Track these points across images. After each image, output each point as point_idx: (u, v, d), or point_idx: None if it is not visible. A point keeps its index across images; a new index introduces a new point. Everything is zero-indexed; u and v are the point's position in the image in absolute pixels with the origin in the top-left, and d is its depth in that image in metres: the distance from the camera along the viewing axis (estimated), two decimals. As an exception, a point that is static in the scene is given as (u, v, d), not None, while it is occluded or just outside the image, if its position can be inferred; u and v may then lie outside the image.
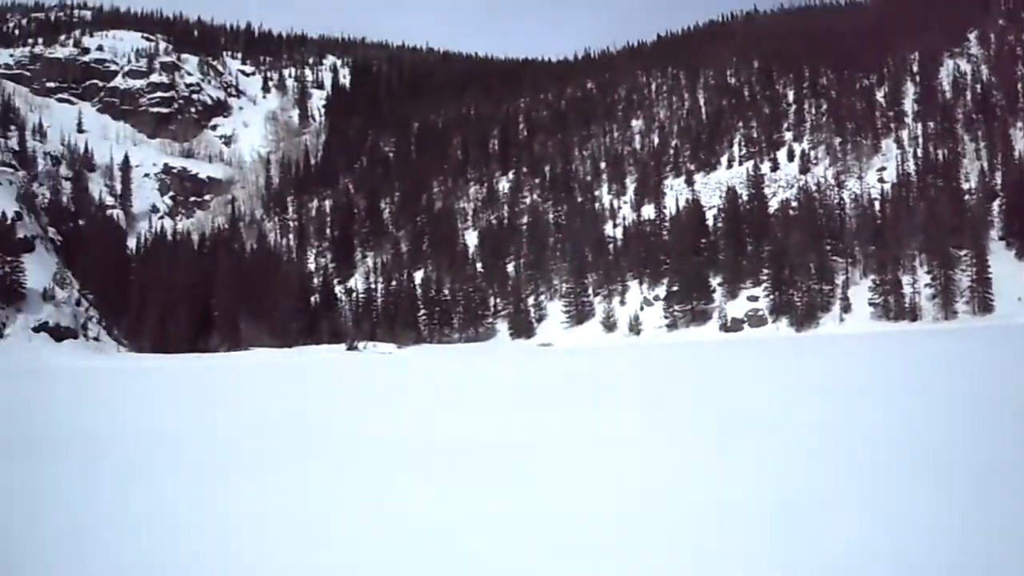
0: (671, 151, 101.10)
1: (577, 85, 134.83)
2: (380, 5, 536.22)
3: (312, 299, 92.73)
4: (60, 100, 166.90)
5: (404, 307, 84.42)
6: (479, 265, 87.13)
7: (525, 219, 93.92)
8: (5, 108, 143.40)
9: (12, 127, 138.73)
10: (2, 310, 79.60)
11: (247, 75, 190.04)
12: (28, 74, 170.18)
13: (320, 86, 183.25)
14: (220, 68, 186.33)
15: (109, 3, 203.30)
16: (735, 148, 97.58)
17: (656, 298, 68.28)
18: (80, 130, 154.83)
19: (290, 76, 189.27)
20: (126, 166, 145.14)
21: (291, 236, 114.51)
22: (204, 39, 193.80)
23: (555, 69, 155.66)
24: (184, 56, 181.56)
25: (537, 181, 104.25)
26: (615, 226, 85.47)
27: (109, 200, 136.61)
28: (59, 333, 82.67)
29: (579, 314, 72.04)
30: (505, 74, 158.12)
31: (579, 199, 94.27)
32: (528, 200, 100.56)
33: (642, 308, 67.62)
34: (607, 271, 75.98)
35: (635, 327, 64.91)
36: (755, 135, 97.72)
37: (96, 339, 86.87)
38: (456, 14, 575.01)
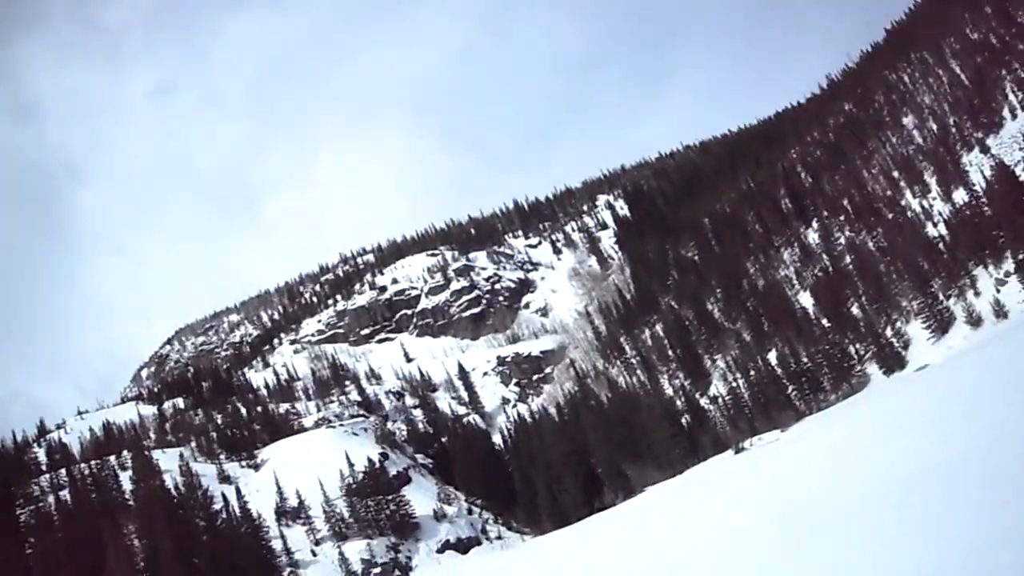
0: (952, 129, 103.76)
1: (836, 112, 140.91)
2: (627, 128, 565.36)
3: (682, 420, 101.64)
4: (379, 342, 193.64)
5: (771, 392, 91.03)
6: (824, 321, 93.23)
7: (848, 259, 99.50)
8: (334, 369, 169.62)
9: (347, 382, 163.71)
10: (403, 544, 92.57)
11: (534, 247, 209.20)
12: (341, 331, 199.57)
13: (603, 226, 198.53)
14: (508, 251, 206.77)
15: (386, 239, 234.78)
16: (1011, 97, 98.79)
17: (1007, 274, 71.16)
18: (408, 359, 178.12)
19: (573, 230, 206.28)
20: (463, 374, 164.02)
21: (638, 372, 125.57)
22: (482, 233, 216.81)
23: (810, 108, 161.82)
24: (472, 255, 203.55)
25: (842, 218, 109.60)
26: (934, 224, 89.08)
27: (461, 410, 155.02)
28: (462, 546, 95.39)
29: (940, 324, 75.56)
30: (765, 136, 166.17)
31: (889, 215, 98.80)
32: (842, 239, 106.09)
33: (998, 290, 70.71)
34: (948, 270, 79.64)
35: (1000, 311, 68.11)
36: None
37: (499, 537, 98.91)
38: (686, 111, 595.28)
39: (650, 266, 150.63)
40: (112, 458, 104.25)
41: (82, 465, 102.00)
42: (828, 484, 25.52)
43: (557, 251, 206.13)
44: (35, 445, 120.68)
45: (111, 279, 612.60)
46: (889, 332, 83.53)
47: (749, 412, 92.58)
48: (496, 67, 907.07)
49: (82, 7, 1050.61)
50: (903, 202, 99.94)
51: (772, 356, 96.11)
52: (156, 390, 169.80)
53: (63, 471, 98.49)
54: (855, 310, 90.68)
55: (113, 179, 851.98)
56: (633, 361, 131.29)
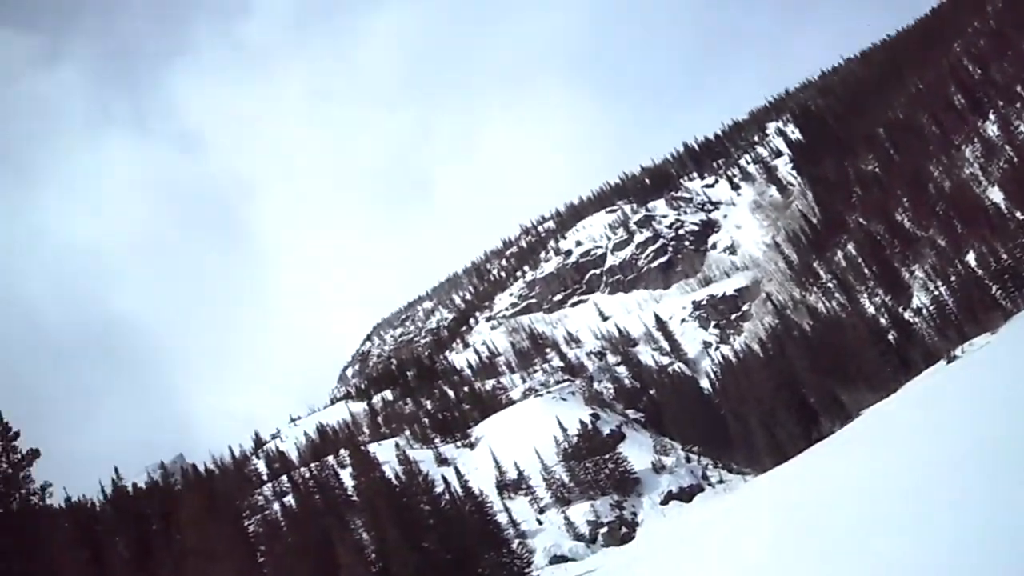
0: None
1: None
2: (782, 51, 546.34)
3: (889, 337, 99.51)
4: (573, 305, 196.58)
5: (975, 295, 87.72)
6: (1018, 214, 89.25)
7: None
8: (532, 339, 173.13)
9: (547, 350, 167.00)
10: (626, 501, 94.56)
11: (711, 186, 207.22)
12: (534, 300, 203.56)
13: (778, 153, 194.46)
14: (686, 195, 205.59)
15: (563, 203, 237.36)
16: None
17: None
18: (604, 319, 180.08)
19: (748, 163, 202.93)
20: (660, 324, 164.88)
21: (836, 296, 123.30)
22: (657, 180, 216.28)
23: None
24: (651, 204, 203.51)
25: (1019, 105, 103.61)
26: None
27: (664, 360, 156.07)
28: (685, 494, 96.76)
29: None
30: (925, 34, 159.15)
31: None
32: (1022, 127, 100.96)
33: None
34: None
35: None
36: None
37: (720, 481, 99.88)
38: (840, 22, 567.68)
39: (831, 186, 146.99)
40: (330, 458, 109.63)
41: (302, 469, 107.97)
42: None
43: (735, 186, 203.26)
44: (254, 457, 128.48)
45: (303, 286, 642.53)
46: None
47: (956, 319, 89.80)
48: (644, 9, 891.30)
49: (224, 30, 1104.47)
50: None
51: (970, 258, 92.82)
52: (363, 386, 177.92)
53: (284, 478, 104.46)
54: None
55: (285, 189, 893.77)
56: (830, 285, 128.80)
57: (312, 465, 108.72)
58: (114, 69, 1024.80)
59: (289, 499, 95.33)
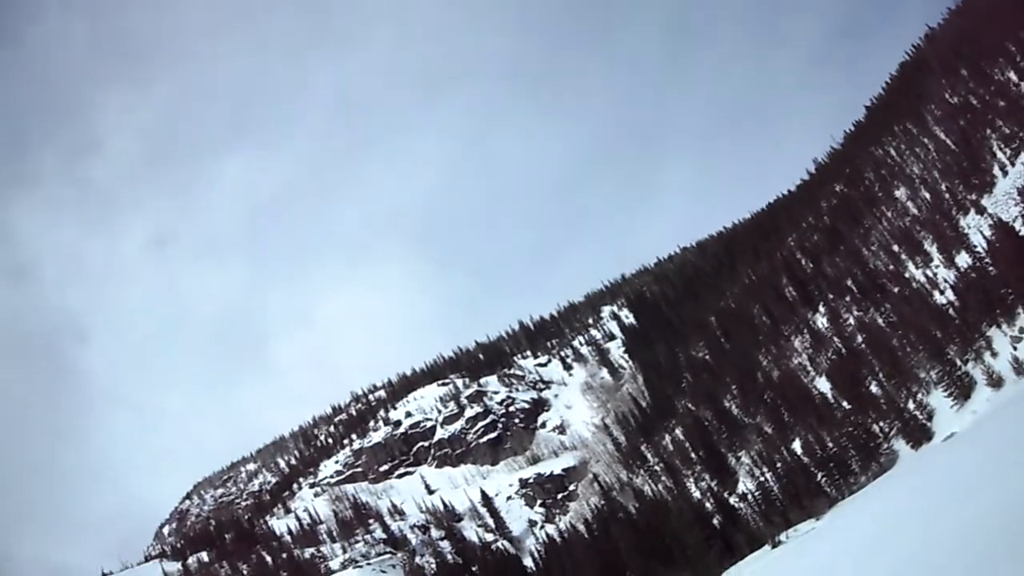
0: (946, 195, 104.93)
1: (828, 194, 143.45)
2: (622, 237, 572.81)
3: (714, 521, 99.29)
4: (399, 476, 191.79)
5: (800, 481, 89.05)
6: (844, 403, 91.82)
7: (859, 337, 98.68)
8: (356, 508, 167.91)
9: (370, 521, 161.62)
10: None
11: (544, 365, 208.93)
12: (360, 469, 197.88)
13: (611, 337, 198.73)
14: (519, 372, 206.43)
15: (396, 374, 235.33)
16: (999, 155, 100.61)
17: (1022, 330, 70.33)
18: (430, 491, 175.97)
19: (581, 344, 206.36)
20: (486, 501, 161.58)
21: (663, 479, 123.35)
22: (491, 357, 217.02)
23: (801, 194, 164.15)
24: (483, 380, 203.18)
25: (848, 298, 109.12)
26: (941, 292, 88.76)
27: (488, 537, 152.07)
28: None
29: (961, 390, 74.17)
30: (760, 228, 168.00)
31: (895, 289, 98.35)
32: (851, 320, 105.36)
33: (1014, 347, 69.63)
34: (961, 335, 78.64)
35: (1020, 368, 66.91)
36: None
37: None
38: (678, 213, 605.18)
39: (662, 371, 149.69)
40: None
41: None
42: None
43: (567, 367, 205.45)
44: None
45: (125, 436, 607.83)
46: (911, 405, 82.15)
47: (781, 504, 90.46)
48: (486, 190, 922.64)
49: (72, 166, 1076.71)
50: (907, 274, 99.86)
51: (796, 445, 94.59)
52: (179, 546, 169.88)
53: None
54: (874, 388, 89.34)
55: (117, 334, 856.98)
56: (656, 468, 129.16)
57: None
58: None
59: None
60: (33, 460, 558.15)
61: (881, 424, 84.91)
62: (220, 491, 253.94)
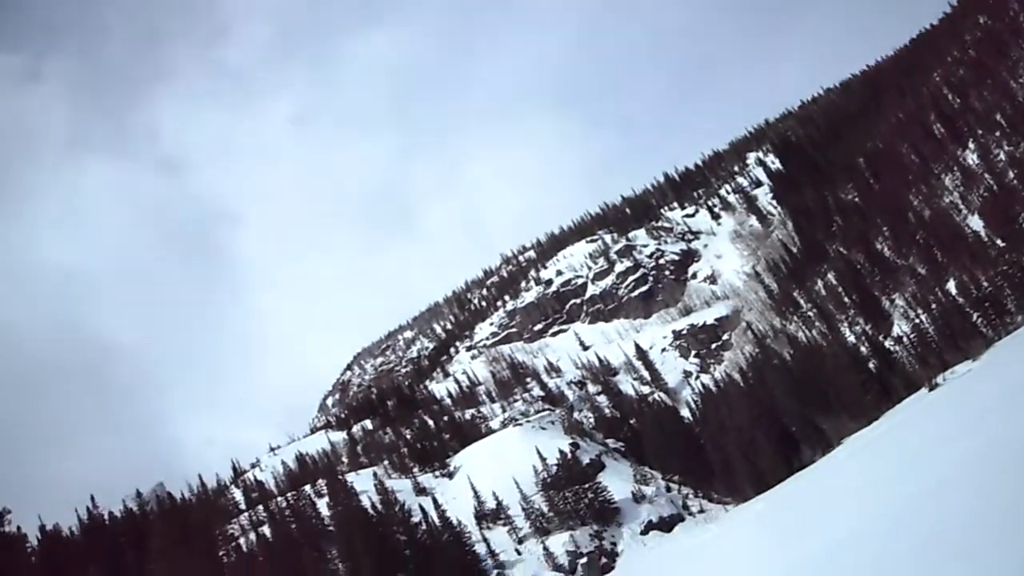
0: None
1: (972, 27, 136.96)
2: (763, 81, 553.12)
3: (869, 365, 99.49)
4: (553, 335, 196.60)
5: (956, 322, 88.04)
6: (998, 241, 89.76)
7: (1011, 173, 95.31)
8: (513, 368, 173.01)
9: (527, 380, 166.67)
10: (606, 531, 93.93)
11: (692, 216, 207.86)
12: (515, 330, 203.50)
13: (758, 183, 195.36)
14: (667, 224, 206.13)
15: (544, 233, 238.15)
16: None
17: None
18: (584, 348, 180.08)
19: (728, 192, 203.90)
20: (641, 354, 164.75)
21: (817, 324, 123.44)
22: (638, 210, 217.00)
23: (944, 28, 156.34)
24: (632, 234, 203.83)
25: (998, 133, 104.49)
26: None
27: (645, 390, 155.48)
28: (665, 524, 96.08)
29: None
30: (904, 65, 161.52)
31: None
32: (1002, 155, 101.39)
33: None
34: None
35: None
36: None
37: (701, 511, 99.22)
38: (820, 53, 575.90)
39: (811, 215, 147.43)
40: (307, 487, 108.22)
41: (279, 499, 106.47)
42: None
43: (715, 216, 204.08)
44: (232, 487, 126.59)
45: (284, 313, 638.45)
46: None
47: (937, 346, 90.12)
48: (624, 39, 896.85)
49: (206, 55, 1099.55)
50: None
51: (951, 286, 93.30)
52: (343, 416, 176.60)
53: (260, 507, 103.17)
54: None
55: (268, 214, 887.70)
56: (810, 314, 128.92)
57: (289, 495, 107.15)
58: (95, 91, 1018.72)
59: (265, 529, 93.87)
60: (201, 345, 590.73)
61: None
62: (379, 360, 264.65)
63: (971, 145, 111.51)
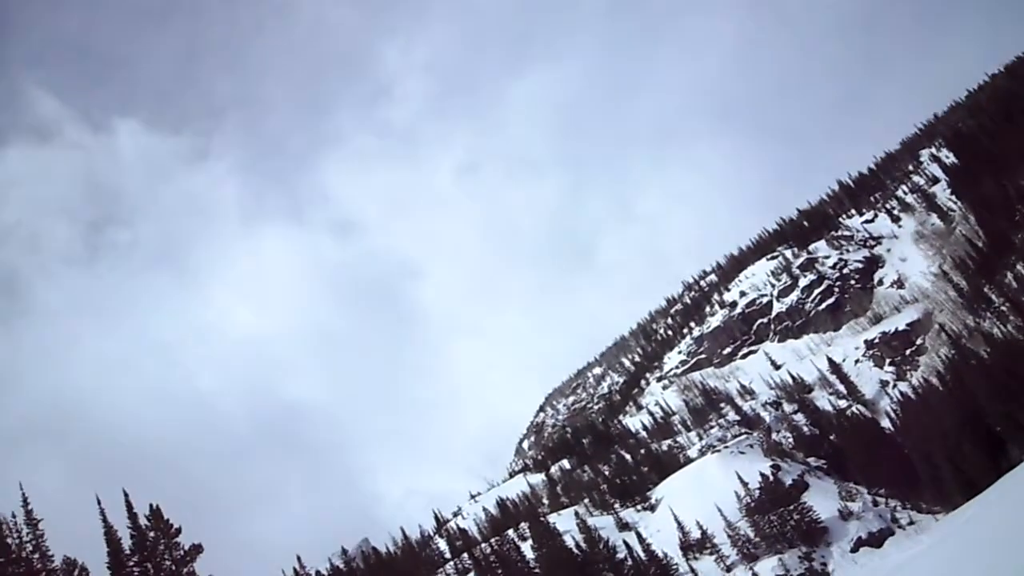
0: None
1: None
2: (925, 75, 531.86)
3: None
4: (743, 357, 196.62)
5: None
6: None
7: None
8: (705, 395, 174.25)
9: (721, 405, 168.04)
10: (815, 551, 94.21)
11: (871, 221, 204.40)
12: (703, 355, 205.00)
13: (935, 180, 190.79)
14: (847, 233, 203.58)
15: (723, 255, 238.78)
16: None
17: None
18: (776, 367, 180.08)
19: (905, 193, 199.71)
20: (834, 367, 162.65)
21: (1012, 318, 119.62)
22: (815, 221, 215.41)
23: None
24: (812, 247, 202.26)
25: None
26: None
27: (842, 404, 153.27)
28: (875, 540, 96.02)
29: None
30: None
31: None
32: None
33: None
34: None
35: None
36: None
37: (911, 523, 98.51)
38: (980, 39, 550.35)
39: (993, 206, 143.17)
40: (510, 532, 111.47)
41: (482, 545, 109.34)
42: None
43: (895, 219, 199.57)
44: (436, 536, 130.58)
45: (472, 360, 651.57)
46: None
47: None
48: (779, 50, 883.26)
49: (370, 115, 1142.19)
50: None
51: None
52: (540, 457, 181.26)
53: (465, 555, 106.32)
54: None
55: (447, 264, 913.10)
56: (1003, 308, 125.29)
57: (493, 540, 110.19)
58: (263, 163, 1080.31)
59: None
60: (394, 400, 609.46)
61: None
62: (571, 399, 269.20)
63: None
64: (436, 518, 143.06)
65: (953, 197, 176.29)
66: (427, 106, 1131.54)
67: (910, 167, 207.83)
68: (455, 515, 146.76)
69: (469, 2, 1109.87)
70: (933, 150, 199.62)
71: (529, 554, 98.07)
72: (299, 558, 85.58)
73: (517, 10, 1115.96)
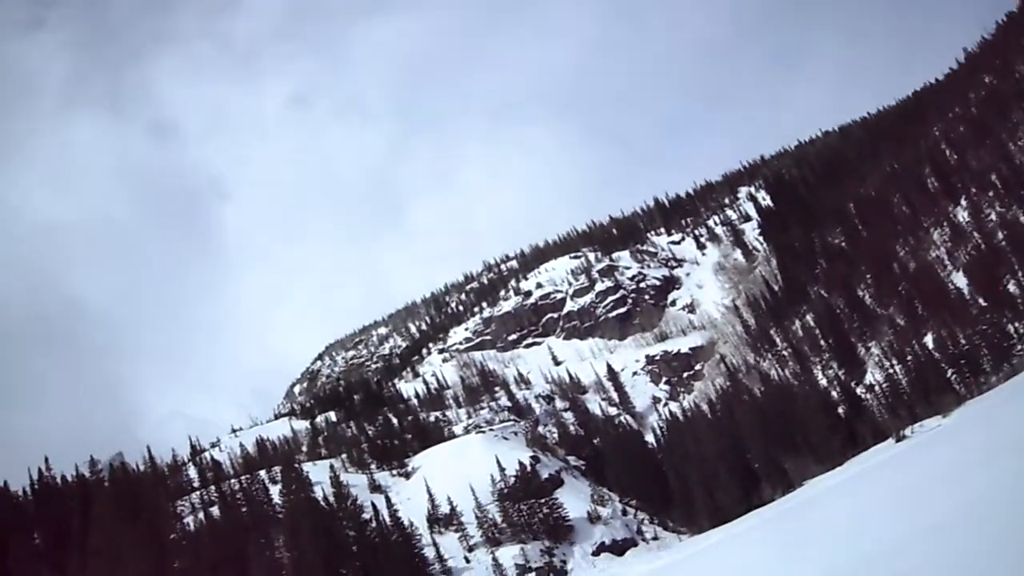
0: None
1: (977, 85, 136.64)
2: (763, 117, 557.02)
3: (839, 411, 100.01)
4: (527, 347, 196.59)
5: (929, 376, 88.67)
6: (980, 300, 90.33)
7: (1000, 234, 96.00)
8: (483, 376, 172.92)
9: (496, 389, 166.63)
10: (557, 548, 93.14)
11: (677, 243, 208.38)
12: (489, 337, 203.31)
13: (747, 218, 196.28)
14: (652, 249, 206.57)
15: (528, 245, 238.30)
16: None
17: None
18: (556, 363, 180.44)
19: (716, 224, 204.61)
20: (612, 375, 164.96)
21: (790, 364, 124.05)
22: (624, 232, 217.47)
23: (949, 84, 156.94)
24: (615, 255, 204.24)
25: (991, 194, 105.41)
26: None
27: (612, 411, 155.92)
28: (618, 547, 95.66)
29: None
30: (905, 115, 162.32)
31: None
32: (993, 216, 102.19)
33: None
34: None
35: None
36: None
37: (655, 538, 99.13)
38: (823, 96, 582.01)
39: (796, 255, 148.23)
40: (262, 472, 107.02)
41: (232, 481, 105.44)
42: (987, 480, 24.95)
43: (701, 246, 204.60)
44: (189, 464, 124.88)
45: (262, 293, 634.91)
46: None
47: (908, 398, 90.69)
48: (633, 58, 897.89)
49: (213, 23, 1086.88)
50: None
51: (928, 340, 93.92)
52: (309, 405, 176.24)
53: (213, 488, 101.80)
54: (1012, 287, 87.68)
55: (257, 192, 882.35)
56: (784, 353, 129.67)
57: (243, 478, 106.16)
58: (96, 46, 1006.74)
59: (215, 510, 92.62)
60: (176, 316, 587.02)
61: (1016, 325, 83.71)
62: (351, 353, 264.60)
63: (963, 202, 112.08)
64: (192, 446, 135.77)
65: (761, 238, 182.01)
66: (272, 27, 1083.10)
67: (727, 200, 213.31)
68: (213, 446, 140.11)
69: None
70: (752, 189, 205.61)
71: (277, 498, 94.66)
72: (47, 460, 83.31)
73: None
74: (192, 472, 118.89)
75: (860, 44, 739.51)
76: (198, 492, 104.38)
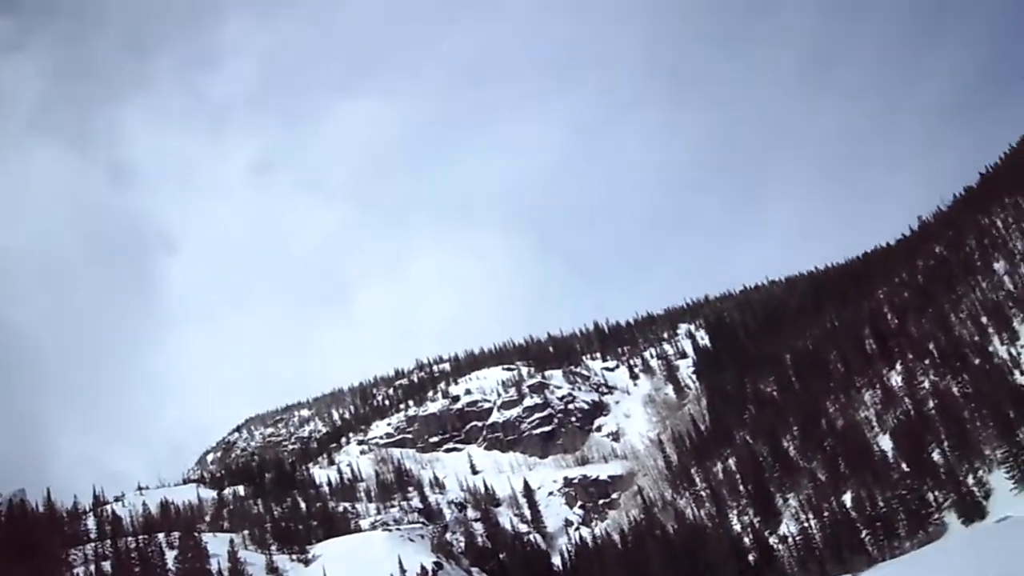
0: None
1: (927, 254, 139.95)
2: (713, 259, 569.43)
3: (750, 558, 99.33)
4: (447, 451, 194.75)
5: (844, 535, 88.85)
6: (903, 465, 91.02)
7: (931, 403, 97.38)
8: (398, 473, 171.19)
9: (410, 488, 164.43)
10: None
11: (611, 370, 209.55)
12: (410, 436, 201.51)
13: (683, 355, 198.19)
14: (585, 372, 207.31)
15: (463, 350, 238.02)
16: None
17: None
18: (474, 472, 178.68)
19: (652, 356, 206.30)
20: (528, 491, 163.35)
21: (707, 505, 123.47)
22: (560, 351, 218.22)
23: (899, 249, 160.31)
24: (548, 373, 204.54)
25: (927, 362, 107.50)
26: (1022, 373, 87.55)
27: (523, 528, 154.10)
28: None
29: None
30: (852, 275, 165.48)
31: (976, 361, 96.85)
32: (926, 383, 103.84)
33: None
34: (1035, 420, 77.77)
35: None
36: None
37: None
38: (774, 245, 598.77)
39: (727, 398, 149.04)
40: (161, 536, 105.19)
41: (130, 539, 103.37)
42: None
43: (634, 376, 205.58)
44: (90, 514, 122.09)
45: (195, 352, 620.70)
46: (970, 480, 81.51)
47: (820, 554, 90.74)
48: (595, 179, 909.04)
49: (189, 76, 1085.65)
50: (990, 348, 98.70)
51: (847, 498, 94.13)
52: (219, 475, 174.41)
53: (110, 543, 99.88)
54: (936, 456, 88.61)
55: (206, 250, 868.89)
56: (703, 493, 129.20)
57: (142, 538, 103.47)
58: (71, 79, 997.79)
59: (107, 565, 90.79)
60: (105, 361, 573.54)
61: (936, 493, 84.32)
62: (270, 430, 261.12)
63: (898, 367, 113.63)
64: (95, 496, 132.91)
65: (694, 376, 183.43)
66: (247, 91, 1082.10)
67: (666, 334, 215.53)
68: (116, 499, 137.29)
69: (338, 8, 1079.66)
70: (692, 327, 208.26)
71: (171, 564, 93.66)
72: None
73: (375, 37, 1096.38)
74: (91, 523, 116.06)
75: (819, 198, 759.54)
76: (94, 544, 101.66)
